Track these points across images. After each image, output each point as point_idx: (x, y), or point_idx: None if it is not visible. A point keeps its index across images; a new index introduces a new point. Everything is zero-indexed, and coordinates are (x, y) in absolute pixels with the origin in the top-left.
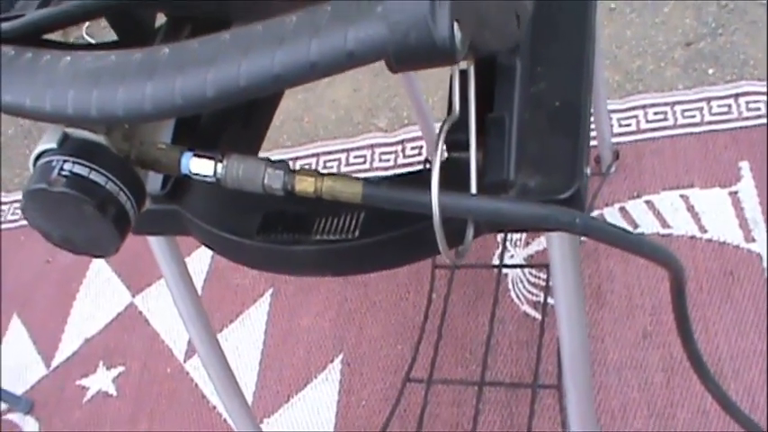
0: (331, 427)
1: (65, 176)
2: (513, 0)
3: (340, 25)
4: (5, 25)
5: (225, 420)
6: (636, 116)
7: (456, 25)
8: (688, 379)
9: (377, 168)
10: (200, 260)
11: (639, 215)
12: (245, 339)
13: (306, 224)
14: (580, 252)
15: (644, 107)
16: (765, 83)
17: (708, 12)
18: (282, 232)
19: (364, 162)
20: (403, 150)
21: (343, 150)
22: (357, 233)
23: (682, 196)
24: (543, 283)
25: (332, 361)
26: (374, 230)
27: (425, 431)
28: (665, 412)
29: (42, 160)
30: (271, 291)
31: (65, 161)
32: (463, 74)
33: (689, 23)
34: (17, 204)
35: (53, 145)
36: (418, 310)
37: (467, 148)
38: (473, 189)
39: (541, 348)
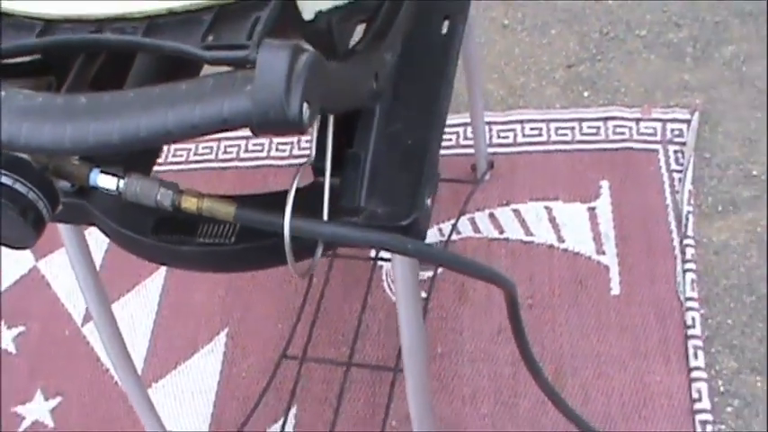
0: (213, 394)
1: None
2: (371, 66)
3: (218, 97)
4: None
5: (116, 383)
6: (514, 129)
7: (305, 105)
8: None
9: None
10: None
11: (506, 222)
12: (139, 309)
13: (192, 228)
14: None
15: (522, 122)
16: (633, 110)
17: (591, 38)
18: (172, 233)
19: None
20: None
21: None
22: (233, 239)
23: (546, 208)
24: None
25: (218, 334)
26: (247, 238)
27: (296, 404)
28: (509, 401)
29: None
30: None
31: None
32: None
33: (572, 47)
34: None
35: None
36: (300, 293)
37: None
38: (325, 215)
39: None
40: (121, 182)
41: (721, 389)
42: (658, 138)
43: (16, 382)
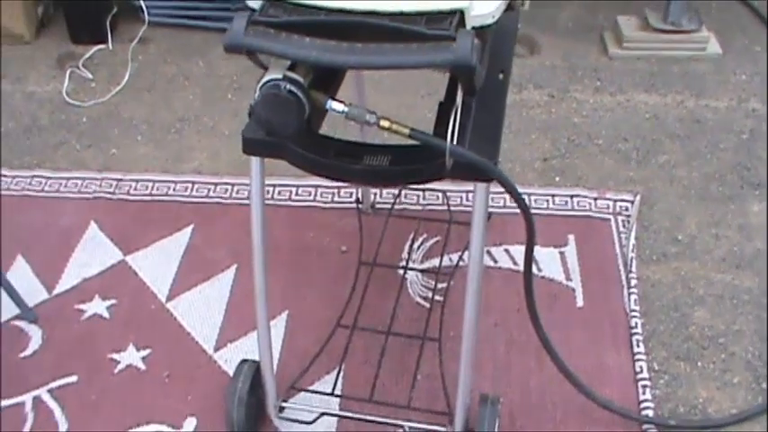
0: (277, 353)
1: (287, 90)
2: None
3: (435, 51)
4: (275, 21)
5: (197, 342)
6: (504, 197)
7: (478, 62)
8: (519, 353)
9: None
10: (182, 237)
11: (499, 257)
12: (215, 293)
13: (359, 156)
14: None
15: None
16: (592, 191)
17: (560, 142)
18: (346, 158)
19: None
20: None
21: None
22: (387, 163)
23: None
24: (431, 285)
25: (280, 314)
26: (395, 163)
27: (345, 362)
28: (504, 366)
29: (271, 82)
30: (236, 266)
31: (287, 84)
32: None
33: (547, 147)
34: (19, 178)
35: (279, 75)
36: (347, 291)
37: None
38: (450, 141)
39: (428, 321)
40: (346, 107)
41: (656, 367)
42: (610, 211)
43: (110, 337)
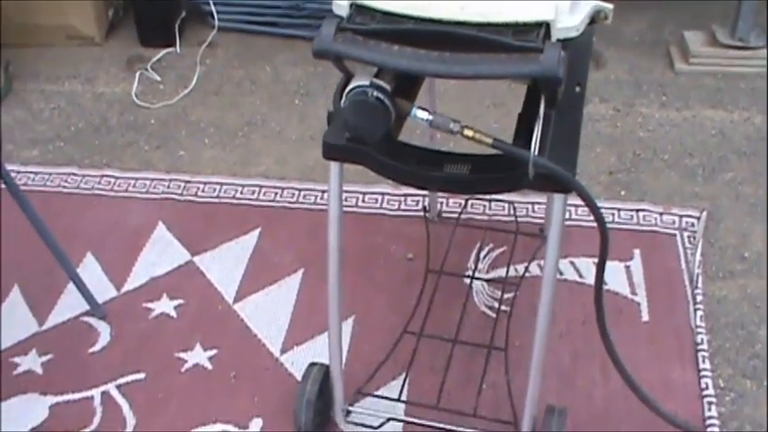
0: (344, 358)
1: (375, 97)
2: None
3: (522, 62)
4: (364, 28)
5: (264, 344)
6: (570, 210)
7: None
8: (584, 365)
9: None
10: (249, 240)
11: (564, 268)
12: (281, 298)
13: (440, 164)
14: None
15: (576, 206)
16: (658, 206)
17: (626, 156)
18: (427, 165)
19: None
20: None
21: None
22: (467, 171)
23: (594, 262)
24: (497, 295)
25: (347, 319)
26: (475, 172)
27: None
28: (568, 377)
29: (359, 89)
30: (302, 270)
31: (374, 91)
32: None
33: (612, 161)
34: (88, 176)
35: (366, 82)
36: (413, 298)
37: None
38: (534, 153)
39: (495, 331)
40: (431, 115)
41: (721, 384)
42: (676, 226)
43: (177, 336)
